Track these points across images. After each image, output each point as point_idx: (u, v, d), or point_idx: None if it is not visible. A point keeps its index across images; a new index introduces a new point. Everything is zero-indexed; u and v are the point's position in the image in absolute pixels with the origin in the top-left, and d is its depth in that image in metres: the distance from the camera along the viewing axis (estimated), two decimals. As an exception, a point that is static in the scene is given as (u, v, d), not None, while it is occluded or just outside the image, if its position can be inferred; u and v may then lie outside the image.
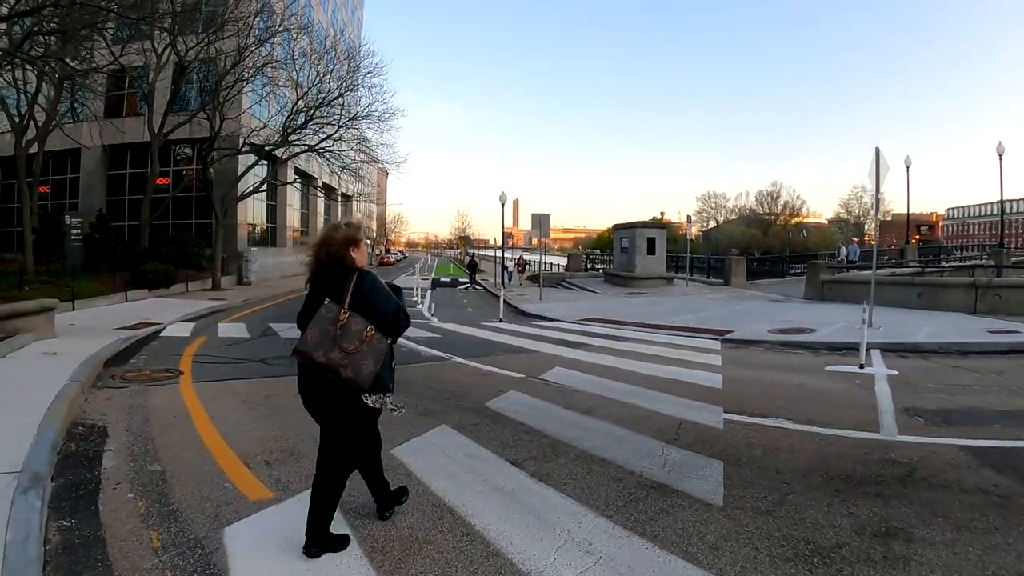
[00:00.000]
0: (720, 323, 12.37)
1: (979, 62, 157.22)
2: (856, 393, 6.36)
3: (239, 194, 26.06)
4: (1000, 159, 20.97)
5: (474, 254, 52.90)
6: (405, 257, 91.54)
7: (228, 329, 12.42)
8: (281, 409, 5.54)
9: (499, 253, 34.06)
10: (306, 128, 26.10)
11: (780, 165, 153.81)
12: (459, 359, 8.76)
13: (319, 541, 2.87)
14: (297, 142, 26.65)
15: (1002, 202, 25.01)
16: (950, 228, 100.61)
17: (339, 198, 44.84)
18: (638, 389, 6.62)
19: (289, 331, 11.52)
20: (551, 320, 14.75)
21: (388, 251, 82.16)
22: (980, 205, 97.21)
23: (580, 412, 5.66)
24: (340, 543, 2.95)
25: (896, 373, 7.24)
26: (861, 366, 7.45)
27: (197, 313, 15.26)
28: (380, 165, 34.74)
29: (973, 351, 8.63)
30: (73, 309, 14.29)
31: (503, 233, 31.63)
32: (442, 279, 39.54)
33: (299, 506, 3.15)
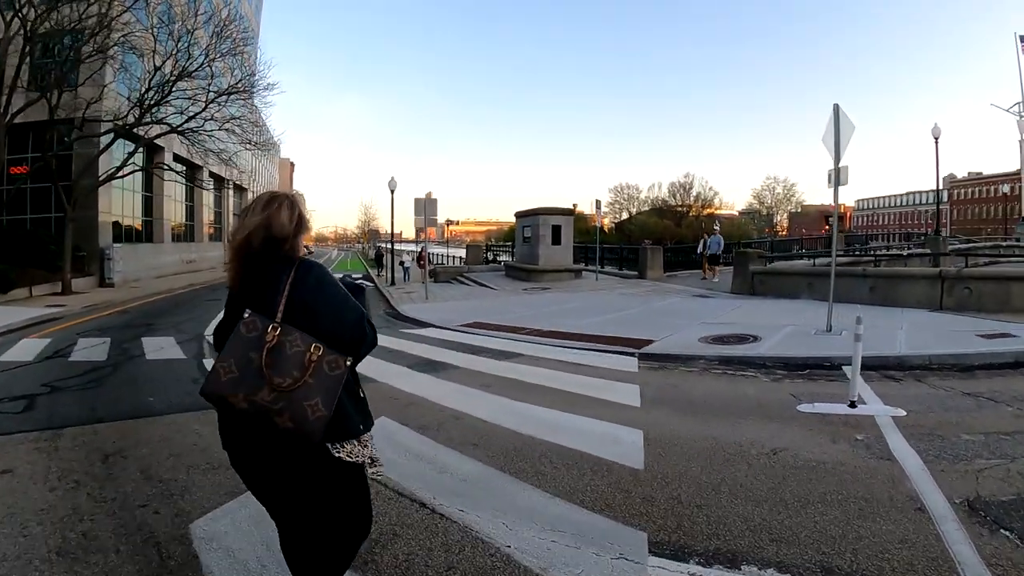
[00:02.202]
0: (636, 328, 9.87)
1: (896, 58, 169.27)
2: (870, 468, 3.81)
3: (98, 181, 22.59)
4: (936, 142, 20.24)
5: (380, 247, 49.64)
6: (311, 252, 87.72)
7: (24, 348, 9.77)
8: None
9: (389, 245, 30.71)
10: (167, 104, 22.89)
11: (692, 157, 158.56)
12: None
13: None
14: (161, 121, 23.34)
15: (938, 190, 24.75)
16: (860, 219, 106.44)
17: (230, 187, 41.23)
18: (493, 474, 3.79)
19: (95, 348, 9.46)
20: (427, 326, 11.92)
21: None
22: (889, 196, 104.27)
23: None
24: None
25: (904, 414, 4.85)
26: (852, 404, 5.01)
27: (13, 325, 12.55)
28: (255, 148, 31.01)
29: (975, 365, 6.59)
30: None
31: (393, 224, 28.39)
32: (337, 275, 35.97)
33: None
